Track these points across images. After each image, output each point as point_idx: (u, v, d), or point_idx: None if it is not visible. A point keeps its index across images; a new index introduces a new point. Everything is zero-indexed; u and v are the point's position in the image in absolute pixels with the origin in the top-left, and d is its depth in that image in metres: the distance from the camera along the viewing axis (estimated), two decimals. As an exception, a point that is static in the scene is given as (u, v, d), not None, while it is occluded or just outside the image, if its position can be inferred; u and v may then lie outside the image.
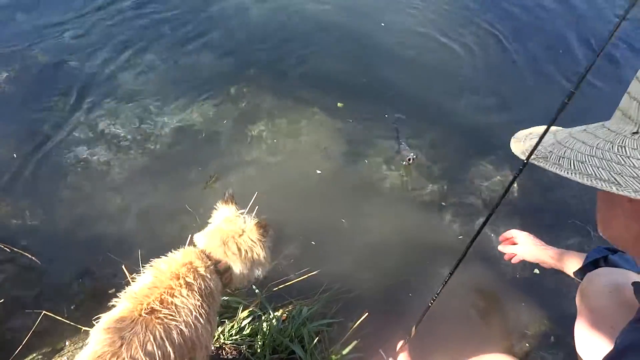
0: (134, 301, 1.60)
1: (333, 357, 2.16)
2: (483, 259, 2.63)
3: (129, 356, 1.48)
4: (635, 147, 0.84)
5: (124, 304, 1.61)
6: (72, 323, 2.27)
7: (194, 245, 1.89)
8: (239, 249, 1.83)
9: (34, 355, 2.22)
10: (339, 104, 3.74)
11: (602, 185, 0.83)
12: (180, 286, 1.63)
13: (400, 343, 1.78)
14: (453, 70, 4.22)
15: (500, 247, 2.47)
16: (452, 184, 3.29)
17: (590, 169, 0.87)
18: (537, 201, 3.26)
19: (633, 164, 0.82)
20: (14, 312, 2.36)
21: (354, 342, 2.23)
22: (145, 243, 2.71)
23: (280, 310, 2.38)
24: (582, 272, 1.94)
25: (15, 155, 3.17)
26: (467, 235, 2.97)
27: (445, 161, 3.45)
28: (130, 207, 2.98)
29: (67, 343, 2.28)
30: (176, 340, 1.58)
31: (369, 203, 3.12)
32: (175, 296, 1.61)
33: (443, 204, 3.16)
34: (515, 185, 3.30)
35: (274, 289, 2.36)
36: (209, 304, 1.68)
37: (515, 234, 2.43)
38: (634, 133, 0.86)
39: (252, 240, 1.86)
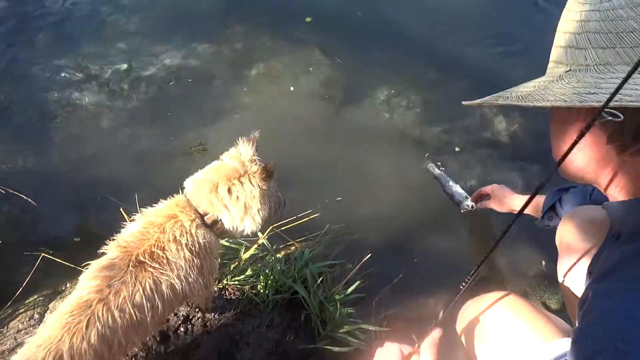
0: (124, 251, 1.55)
1: (336, 297, 2.16)
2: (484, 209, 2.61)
3: (116, 305, 1.46)
4: (571, 76, 0.97)
5: (114, 252, 1.57)
6: (71, 265, 2.24)
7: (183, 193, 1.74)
8: (232, 197, 1.63)
9: (35, 297, 2.20)
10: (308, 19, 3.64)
11: (551, 103, 0.94)
12: (169, 241, 1.56)
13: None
14: (461, 9, 4.08)
15: (478, 205, 2.55)
16: (454, 126, 3.24)
17: (539, 97, 0.98)
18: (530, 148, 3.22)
19: (573, 86, 0.94)
20: (12, 254, 2.32)
21: (357, 283, 2.23)
22: (143, 187, 2.66)
23: (282, 252, 2.37)
24: (542, 220, 2.08)
25: (1, 97, 3.07)
26: (470, 177, 2.94)
27: (448, 103, 3.38)
28: (125, 151, 2.90)
29: (67, 285, 2.26)
30: (166, 294, 1.55)
31: (369, 146, 3.06)
32: (166, 250, 1.55)
33: (444, 147, 3.11)
34: (511, 129, 3.26)
35: (276, 231, 2.33)
36: (201, 258, 1.61)
37: (486, 189, 2.52)
38: (567, 71, 0.99)
39: (251, 187, 1.65)
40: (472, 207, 2.54)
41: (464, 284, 1.20)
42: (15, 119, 3.00)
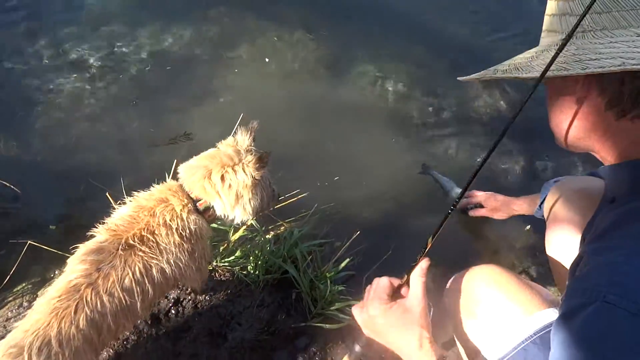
0: (113, 234, 1.54)
1: (327, 274, 2.17)
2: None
3: (104, 289, 1.44)
4: (570, 44, 0.95)
5: (103, 235, 1.55)
6: (58, 252, 2.22)
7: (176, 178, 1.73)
8: (224, 184, 1.62)
9: (23, 285, 2.18)
10: None
11: (554, 73, 0.92)
12: (159, 225, 1.54)
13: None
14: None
15: (471, 213, 2.50)
16: (442, 104, 3.24)
17: (538, 67, 0.97)
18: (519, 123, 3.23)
19: (573, 53, 0.94)
20: (-3, 242, 2.30)
21: (346, 260, 2.23)
22: (128, 172, 2.63)
23: (272, 232, 2.37)
24: (539, 209, 2.01)
25: (-20, 84, 3.01)
26: (456, 154, 2.96)
27: (435, 78, 3.37)
28: (109, 137, 2.87)
29: (55, 272, 2.24)
30: (156, 279, 1.53)
31: (357, 124, 3.06)
32: (156, 234, 1.54)
33: (431, 124, 3.11)
34: (499, 104, 3.27)
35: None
36: (192, 243, 1.60)
37: (477, 198, 2.47)
38: (562, 39, 0.96)
39: (244, 177, 1.63)
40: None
41: (450, 211, 1.19)
42: (-5, 106, 2.95)
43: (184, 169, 1.69)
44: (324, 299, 2.14)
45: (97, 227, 1.59)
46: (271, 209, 1.90)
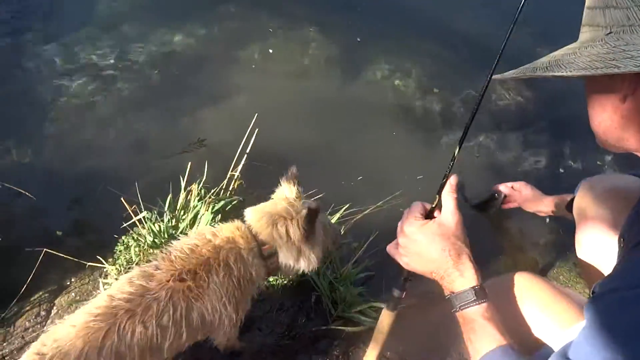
0: (169, 265, 1.49)
1: (346, 276, 2.13)
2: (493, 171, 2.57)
3: (140, 320, 1.39)
4: (617, 39, 0.90)
5: (160, 262, 1.51)
6: (75, 259, 2.20)
7: (242, 220, 1.69)
8: (288, 235, 1.60)
9: (40, 294, 2.16)
10: None
11: (603, 71, 0.86)
12: (219, 265, 1.50)
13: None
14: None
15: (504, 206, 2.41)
16: (454, 97, 3.18)
17: (584, 64, 0.90)
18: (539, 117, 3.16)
19: (622, 49, 0.88)
20: (13, 251, 2.27)
21: (366, 261, 2.19)
22: (143, 177, 2.61)
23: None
24: (570, 204, 1.89)
25: (-8, 90, 2.99)
26: (474, 149, 2.90)
27: (446, 74, 3.31)
28: (122, 141, 2.84)
29: (72, 279, 2.22)
30: (194, 323, 1.48)
31: (372, 122, 3.02)
32: (211, 274, 1.49)
33: (444, 119, 3.06)
34: (518, 99, 3.20)
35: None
36: (243, 291, 1.55)
37: (517, 187, 2.37)
38: (607, 34, 0.92)
39: (298, 231, 1.61)
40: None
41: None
42: (8, 111, 2.93)
43: (251, 212, 1.67)
44: (344, 301, 2.10)
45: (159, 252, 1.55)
46: (337, 247, 1.88)
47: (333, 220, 2.37)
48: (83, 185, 2.62)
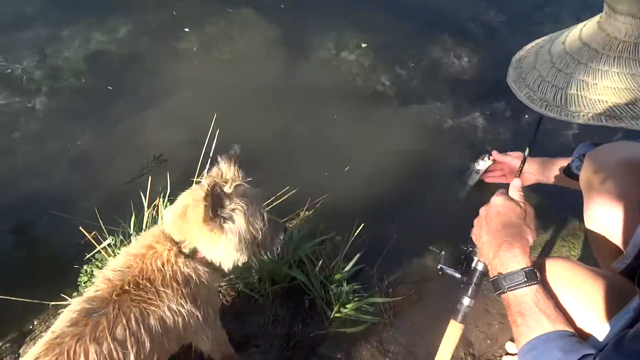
0: (107, 283, 1.35)
1: (340, 276, 2.02)
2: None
3: (92, 338, 1.25)
4: None
5: (97, 285, 1.37)
6: (32, 300, 1.95)
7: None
8: (194, 220, 1.39)
9: (0, 345, 1.91)
10: None
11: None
12: (153, 271, 1.38)
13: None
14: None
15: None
16: (414, 70, 3.09)
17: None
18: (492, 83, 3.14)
19: None
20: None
21: (357, 256, 2.09)
22: (91, 195, 2.37)
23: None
24: (568, 168, 1.79)
25: None
26: (443, 116, 2.84)
27: (399, 46, 3.22)
28: (62, 159, 2.55)
29: (35, 323, 1.97)
30: (154, 328, 1.34)
31: (330, 103, 2.88)
32: (153, 279, 1.37)
33: (399, 89, 2.97)
34: (472, 65, 3.17)
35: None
36: (191, 288, 1.41)
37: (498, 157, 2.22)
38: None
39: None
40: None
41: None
42: None
43: (168, 212, 1.49)
44: (339, 300, 2.00)
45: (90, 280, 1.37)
46: (278, 244, 1.66)
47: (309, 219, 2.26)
48: (25, 213, 2.33)
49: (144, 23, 3.15)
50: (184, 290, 1.38)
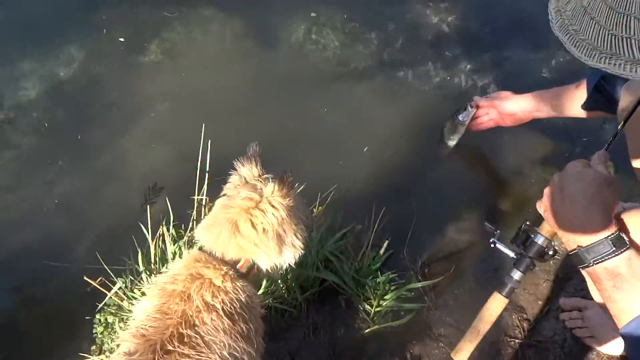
0: (143, 340, 1.13)
1: (371, 267, 1.88)
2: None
3: None
4: None
5: (129, 344, 1.15)
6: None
7: (197, 246, 1.37)
8: (259, 231, 1.26)
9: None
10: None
11: None
12: (199, 311, 1.17)
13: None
14: None
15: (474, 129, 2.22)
16: (392, 36, 2.93)
17: None
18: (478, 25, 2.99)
19: None
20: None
21: (385, 243, 1.95)
22: (83, 235, 2.19)
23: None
24: (588, 103, 1.76)
25: None
26: (433, 77, 2.69)
27: (373, 14, 3.04)
28: (43, 202, 2.32)
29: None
30: None
31: (312, 89, 2.70)
32: (197, 325, 1.16)
33: (391, 62, 2.81)
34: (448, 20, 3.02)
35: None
36: (245, 319, 1.23)
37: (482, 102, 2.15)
38: None
39: (275, 211, 1.27)
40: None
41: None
42: None
43: (202, 232, 1.33)
44: (376, 294, 1.86)
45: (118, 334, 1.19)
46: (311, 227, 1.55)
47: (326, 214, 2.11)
48: (18, 270, 2.12)
49: (99, 44, 2.92)
50: (239, 326, 1.20)
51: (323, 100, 2.64)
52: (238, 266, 1.28)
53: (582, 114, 1.82)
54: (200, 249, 1.32)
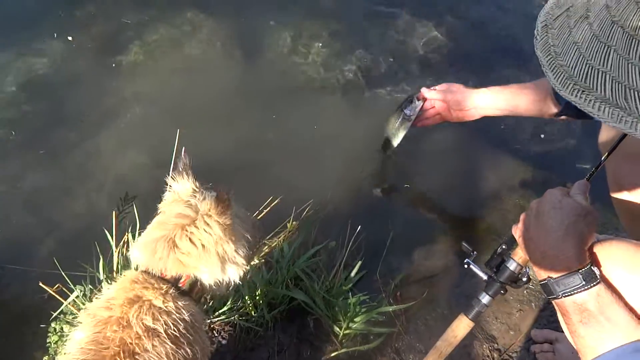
0: None
1: (343, 287, 1.83)
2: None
3: None
4: None
5: None
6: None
7: (133, 266, 1.30)
8: (198, 248, 1.21)
9: None
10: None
11: None
12: (139, 337, 1.09)
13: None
14: None
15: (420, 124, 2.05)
16: (378, 51, 2.90)
17: None
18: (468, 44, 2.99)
19: None
20: None
21: (358, 263, 1.90)
22: (46, 238, 2.11)
23: (256, 259, 1.96)
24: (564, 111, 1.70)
25: None
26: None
27: (363, 30, 3.03)
28: (8, 200, 2.23)
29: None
30: None
31: (296, 101, 2.66)
32: (137, 354, 1.08)
33: (377, 78, 2.79)
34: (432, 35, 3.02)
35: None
36: (189, 340, 1.16)
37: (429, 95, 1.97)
38: None
39: (211, 230, 1.23)
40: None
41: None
42: None
43: (137, 249, 1.26)
44: (346, 315, 1.80)
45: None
46: (259, 242, 1.49)
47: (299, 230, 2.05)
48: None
49: (80, 40, 2.84)
50: (182, 349, 1.12)
51: (304, 113, 2.60)
52: (179, 283, 1.21)
53: (542, 114, 1.76)
54: (136, 268, 1.25)
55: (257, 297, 1.80)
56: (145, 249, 1.23)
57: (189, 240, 1.21)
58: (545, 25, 0.90)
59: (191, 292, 1.24)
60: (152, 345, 1.08)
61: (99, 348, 1.06)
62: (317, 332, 1.82)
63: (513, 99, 1.81)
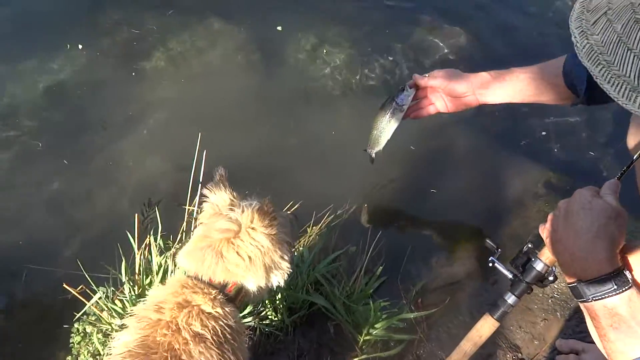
0: None
1: (363, 293, 1.81)
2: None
3: None
4: None
5: None
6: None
7: (181, 271, 1.33)
8: (242, 256, 1.23)
9: None
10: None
11: None
12: (187, 343, 1.10)
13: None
14: None
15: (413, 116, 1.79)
16: (399, 57, 2.90)
17: None
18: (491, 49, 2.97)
19: None
20: None
21: (379, 268, 1.88)
22: (71, 240, 2.13)
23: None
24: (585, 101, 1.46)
25: None
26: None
27: (376, 34, 3.02)
28: (34, 203, 2.27)
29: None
30: None
31: (315, 107, 2.67)
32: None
33: (396, 83, 2.77)
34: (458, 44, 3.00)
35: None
36: (233, 348, 1.17)
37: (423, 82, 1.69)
38: None
39: (257, 243, 1.24)
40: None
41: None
42: None
43: (184, 257, 1.28)
44: (367, 321, 1.79)
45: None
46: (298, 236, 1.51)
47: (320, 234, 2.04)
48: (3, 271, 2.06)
49: (103, 47, 2.89)
50: (227, 354, 1.13)
51: (324, 119, 2.60)
52: (226, 289, 1.22)
53: (549, 101, 1.58)
54: (185, 274, 1.26)
55: (277, 302, 1.79)
56: (193, 258, 1.25)
57: (236, 253, 1.23)
58: (583, 31, 0.85)
59: (236, 298, 1.26)
60: (198, 351, 1.09)
61: (148, 352, 1.08)
62: (337, 337, 1.80)
63: (519, 85, 1.58)
